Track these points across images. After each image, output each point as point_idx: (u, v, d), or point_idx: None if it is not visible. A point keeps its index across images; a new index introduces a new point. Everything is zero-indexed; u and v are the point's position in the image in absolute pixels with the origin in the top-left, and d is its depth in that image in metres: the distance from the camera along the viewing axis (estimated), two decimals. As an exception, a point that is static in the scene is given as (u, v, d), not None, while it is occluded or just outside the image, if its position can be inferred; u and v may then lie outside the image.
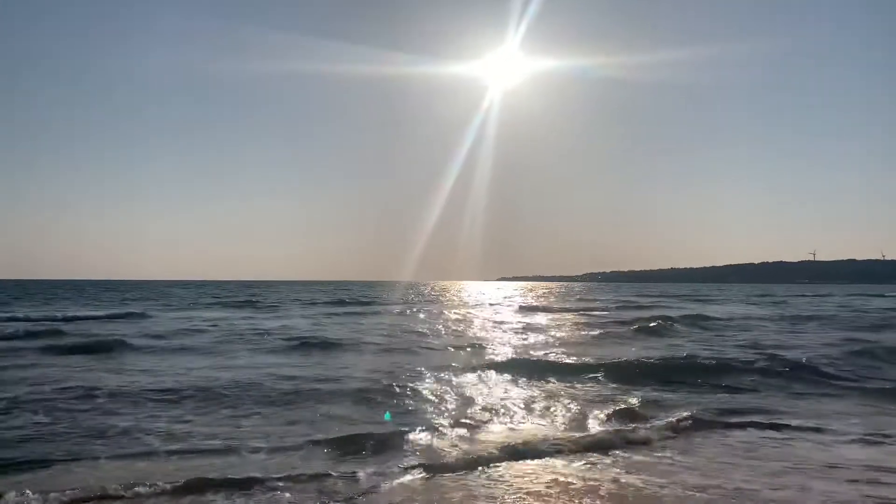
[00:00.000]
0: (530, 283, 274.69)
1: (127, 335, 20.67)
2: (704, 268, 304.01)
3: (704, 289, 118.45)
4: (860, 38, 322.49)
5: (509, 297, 67.53)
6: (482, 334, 23.20)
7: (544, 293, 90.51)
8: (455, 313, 36.78)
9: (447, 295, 78.98)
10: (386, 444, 7.71)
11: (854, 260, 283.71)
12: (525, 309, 40.94)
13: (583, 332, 24.07)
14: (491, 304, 48.33)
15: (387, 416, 9.36)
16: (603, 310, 41.34)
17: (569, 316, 34.48)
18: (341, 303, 50.10)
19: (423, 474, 6.56)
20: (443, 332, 23.58)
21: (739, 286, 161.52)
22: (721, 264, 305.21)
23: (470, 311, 39.96)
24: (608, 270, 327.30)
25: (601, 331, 24.37)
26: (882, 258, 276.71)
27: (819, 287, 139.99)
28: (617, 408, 9.84)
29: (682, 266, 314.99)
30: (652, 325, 25.76)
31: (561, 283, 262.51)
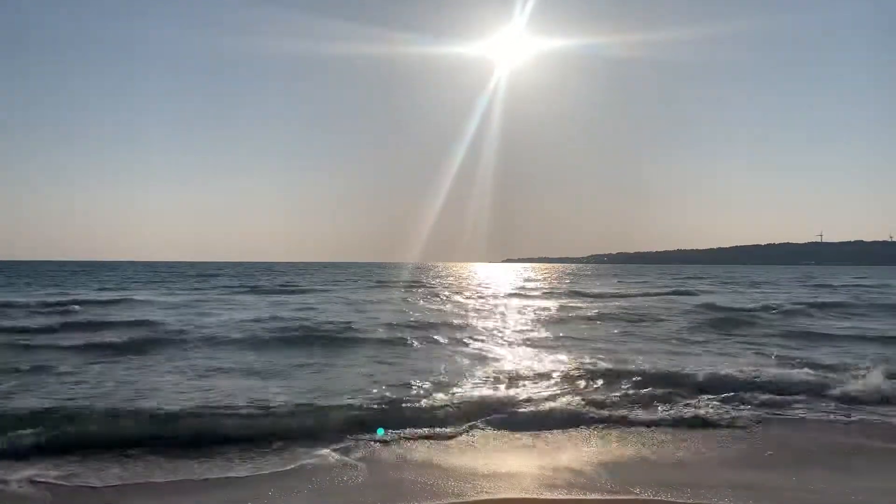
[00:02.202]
0: (538, 264, 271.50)
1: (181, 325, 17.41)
2: (712, 249, 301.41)
3: (723, 270, 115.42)
4: (869, 13, 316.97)
5: (538, 280, 64.26)
6: (562, 326, 19.88)
7: (570, 276, 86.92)
8: (500, 299, 33.64)
9: (470, 277, 75.73)
10: None
11: (862, 241, 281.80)
12: (578, 294, 37.64)
13: (685, 328, 20.55)
14: (529, 289, 44.84)
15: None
16: (659, 294, 38.04)
17: (642, 302, 31.10)
18: (381, 285, 47.81)
19: None
20: (519, 327, 20.27)
21: (752, 268, 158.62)
22: (727, 246, 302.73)
23: (513, 296, 36.66)
24: (614, 252, 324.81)
25: (691, 324, 20.90)
26: (890, 240, 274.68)
27: (837, 269, 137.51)
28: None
29: (688, 248, 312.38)
30: (738, 315, 23.37)
31: (569, 264, 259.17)
